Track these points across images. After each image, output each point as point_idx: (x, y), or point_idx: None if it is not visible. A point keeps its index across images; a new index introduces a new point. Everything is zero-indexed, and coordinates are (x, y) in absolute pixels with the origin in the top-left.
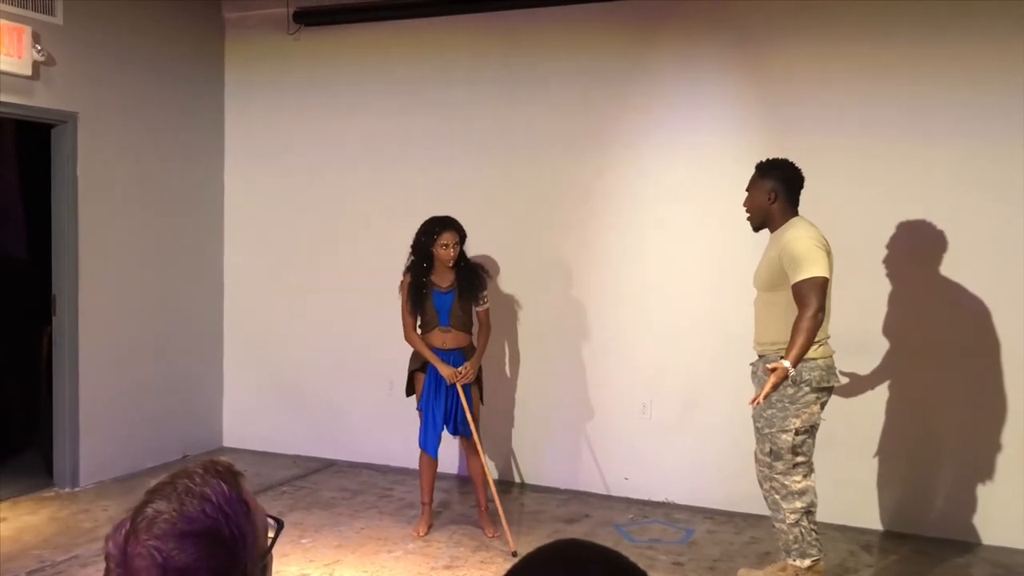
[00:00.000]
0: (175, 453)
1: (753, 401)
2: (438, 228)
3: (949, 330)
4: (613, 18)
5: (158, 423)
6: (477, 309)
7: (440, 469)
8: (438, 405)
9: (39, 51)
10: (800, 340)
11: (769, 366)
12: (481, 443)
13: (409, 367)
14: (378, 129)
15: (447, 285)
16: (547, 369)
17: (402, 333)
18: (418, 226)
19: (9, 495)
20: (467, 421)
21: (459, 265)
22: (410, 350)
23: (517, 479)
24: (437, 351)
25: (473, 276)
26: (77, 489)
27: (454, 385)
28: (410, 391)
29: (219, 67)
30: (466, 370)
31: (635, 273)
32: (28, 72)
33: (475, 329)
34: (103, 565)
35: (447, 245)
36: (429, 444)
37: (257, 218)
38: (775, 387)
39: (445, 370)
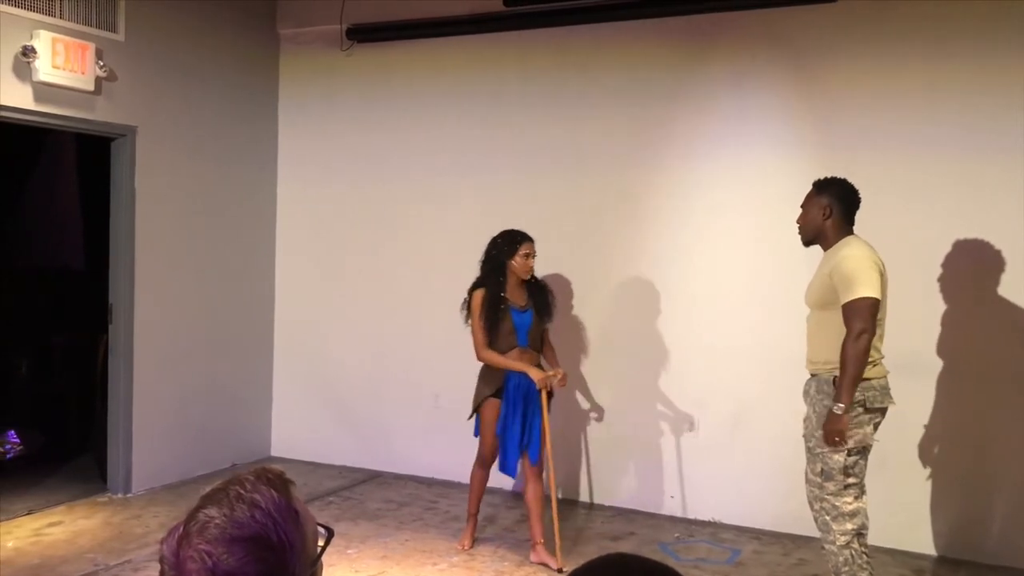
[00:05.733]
0: (224, 462)
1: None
2: (519, 238)
3: (1007, 352)
4: (665, 34)
5: (208, 432)
6: (544, 327)
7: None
8: (515, 427)
9: (102, 67)
10: (849, 371)
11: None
12: (548, 468)
13: (481, 392)
14: (428, 143)
15: (524, 303)
16: (593, 384)
17: (450, 347)
18: (469, 240)
19: (65, 499)
20: (540, 444)
21: (529, 281)
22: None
23: (562, 495)
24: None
25: (547, 293)
26: (129, 495)
27: (531, 407)
28: (475, 414)
29: (273, 82)
30: (559, 373)
31: (684, 289)
32: (91, 87)
33: None
34: (155, 570)
35: (529, 255)
36: (510, 468)
37: (308, 230)
38: (839, 433)
39: (537, 374)
